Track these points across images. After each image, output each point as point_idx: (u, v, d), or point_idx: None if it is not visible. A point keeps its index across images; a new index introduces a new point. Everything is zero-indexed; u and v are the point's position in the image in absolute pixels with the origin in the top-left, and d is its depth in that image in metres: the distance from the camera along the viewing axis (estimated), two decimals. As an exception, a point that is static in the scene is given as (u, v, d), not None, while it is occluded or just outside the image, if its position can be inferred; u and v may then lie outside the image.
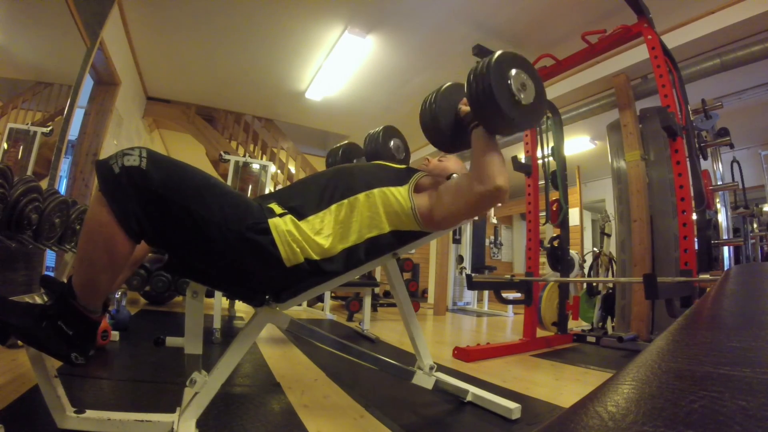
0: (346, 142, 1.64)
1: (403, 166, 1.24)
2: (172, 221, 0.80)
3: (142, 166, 0.75)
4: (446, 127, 1.14)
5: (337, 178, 1.09)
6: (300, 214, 0.98)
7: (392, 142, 1.47)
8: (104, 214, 0.74)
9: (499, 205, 6.81)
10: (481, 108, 0.97)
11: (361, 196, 1.04)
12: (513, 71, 0.96)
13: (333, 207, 1.01)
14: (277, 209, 0.96)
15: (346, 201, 1.02)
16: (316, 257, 0.96)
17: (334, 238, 0.98)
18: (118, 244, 0.76)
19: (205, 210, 0.81)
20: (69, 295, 0.79)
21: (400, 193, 1.07)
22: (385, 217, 1.05)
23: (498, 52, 0.98)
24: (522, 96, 0.96)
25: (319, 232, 0.97)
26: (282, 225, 0.92)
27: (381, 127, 1.48)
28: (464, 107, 1.12)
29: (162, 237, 0.82)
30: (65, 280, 0.81)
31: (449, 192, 1.05)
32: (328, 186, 1.06)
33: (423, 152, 6.08)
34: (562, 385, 1.75)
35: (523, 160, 2.76)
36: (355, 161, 1.53)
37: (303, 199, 1.03)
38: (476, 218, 5.50)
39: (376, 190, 1.05)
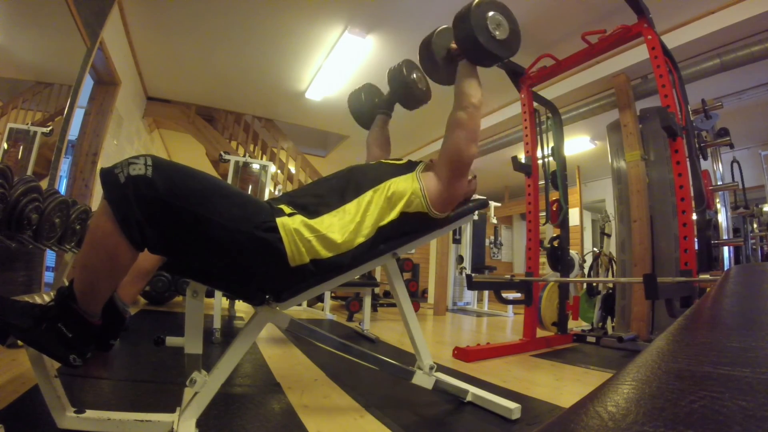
0: (366, 83, 1.70)
1: (406, 161, 1.30)
2: (179, 227, 0.80)
3: (148, 175, 0.75)
4: (440, 62, 1.34)
5: (349, 177, 1.15)
6: (312, 213, 1.01)
7: (414, 74, 1.54)
8: (109, 223, 0.74)
9: (499, 205, 6.79)
10: (464, 43, 1.17)
11: (371, 192, 1.09)
12: (490, 13, 1.15)
13: (346, 206, 1.06)
14: (287, 209, 0.98)
15: (358, 198, 1.08)
16: (327, 254, 0.97)
17: (349, 233, 1.01)
18: (121, 253, 0.76)
19: (213, 213, 0.82)
20: (70, 299, 0.79)
21: (406, 179, 1.16)
22: (394, 204, 1.11)
23: None
24: (497, 33, 1.15)
25: (332, 230, 1.00)
26: (290, 223, 0.93)
27: (402, 60, 1.54)
28: (453, 45, 1.30)
29: (166, 244, 0.82)
30: (66, 282, 0.81)
31: (444, 140, 1.19)
32: (339, 186, 1.11)
33: (424, 152, 6.10)
34: (562, 385, 1.74)
35: (523, 160, 2.76)
36: (377, 100, 1.65)
37: (315, 199, 1.06)
38: (476, 217, 5.50)
39: (385, 183, 1.12)
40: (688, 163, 2.05)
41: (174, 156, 7.59)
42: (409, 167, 1.22)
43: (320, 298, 4.23)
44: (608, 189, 3.77)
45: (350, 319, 3.76)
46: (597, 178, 6.73)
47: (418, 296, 6.03)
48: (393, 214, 1.10)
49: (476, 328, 3.87)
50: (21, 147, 2.35)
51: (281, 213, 0.95)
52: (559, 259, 3.05)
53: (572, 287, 3.52)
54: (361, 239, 1.03)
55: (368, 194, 1.09)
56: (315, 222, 0.98)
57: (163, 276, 3.29)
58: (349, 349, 1.20)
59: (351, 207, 1.06)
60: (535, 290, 2.72)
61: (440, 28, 1.36)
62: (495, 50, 1.15)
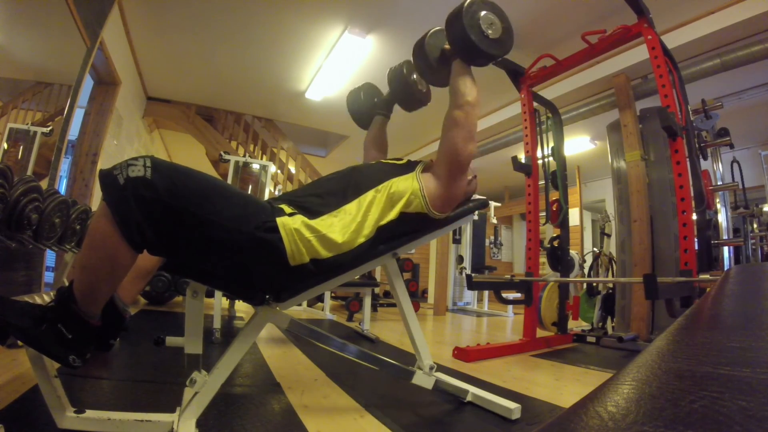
0: (366, 82, 1.70)
1: (406, 160, 1.30)
2: (179, 228, 0.80)
3: (147, 176, 0.75)
4: (434, 63, 1.33)
5: (349, 177, 1.15)
6: (313, 213, 1.01)
7: (415, 75, 1.54)
8: (108, 225, 0.74)
9: (499, 205, 6.78)
10: (457, 43, 1.18)
11: (372, 192, 1.10)
12: (482, 13, 1.16)
13: (346, 206, 1.06)
14: (287, 209, 0.98)
15: (359, 198, 1.08)
16: (327, 254, 0.97)
17: (350, 233, 1.01)
18: (121, 254, 0.76)
19: (214, 213, 0.82)
20: (70, 300, 0.79)
21: (406, 179, 1.15)
22: (395, 204, 1.11)
23: None
24: (490, 32, 1.16)
25: (333, 230, 1.00)
26: (290, 223, 0.93)
27: (403, 61, 1.54)
28: (447, 45, 1.30)
29: (166, 244, 0.82)
30: (66, 282, 0.81)
31: (441, 139, 1.19)
32: (340, 186, 1.11)
33: (424, 152, 6.10)
34: (562, 385, 1.74)
35: (523, 160, 2.76)
36: (376, 100, 1.64)
37: (316, 199, 1.07)
38: (476, 217, 5.50)
39: (386, 183, 1.12)
40: (688, 163, 2.05)
41: (174, 156, 7.59)
42: (409, 167, 1.22)
43: (320, 298, 4.23)
44: (608, 189, 3.77)
45: (350, 319, 3.75)
46: (597, 178, 6.74)
47: (418, 296, 6.02)
48: (392, 214, 1.09)
49: (476, 328, 3.87)
50: (21, 147, 2.35)
51: (281, 213, 0.95)
52: (559, 259, 3.05)
53: (572, 287, 3.52)
54: (362, 239, 1.03)
55: (369, 194, 1.09)
56: (315, 222, 0.98)
57: (163, 276, 3.29)
58: (349, 349, 1.20)
59: (351, 207, 1.06)
60: (535, 290, 2.72)
61: (433, 29, 1.36)
62: (488, 49, 1.16)
